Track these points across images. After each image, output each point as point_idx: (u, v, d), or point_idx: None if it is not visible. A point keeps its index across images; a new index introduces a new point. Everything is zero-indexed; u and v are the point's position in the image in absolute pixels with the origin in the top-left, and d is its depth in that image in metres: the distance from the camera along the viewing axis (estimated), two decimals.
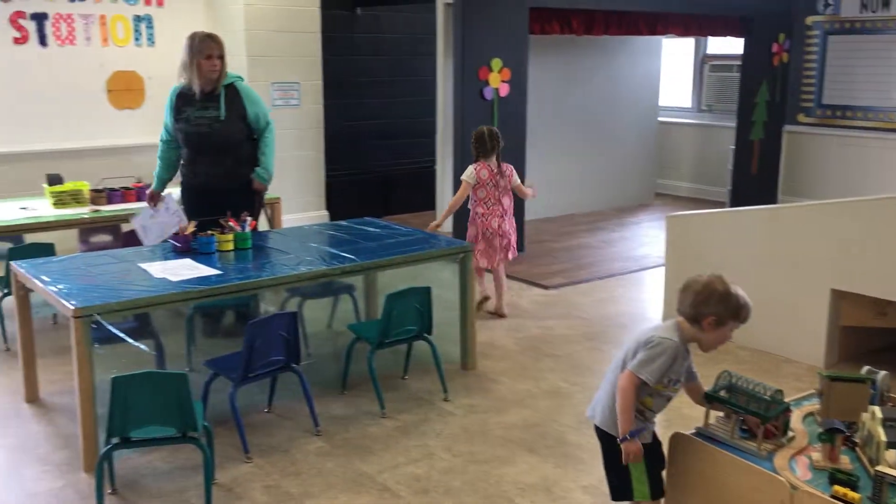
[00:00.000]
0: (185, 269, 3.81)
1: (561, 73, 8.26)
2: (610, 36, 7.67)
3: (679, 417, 3.72)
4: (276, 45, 7.28)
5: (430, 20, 7.70)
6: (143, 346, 3.55)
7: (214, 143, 4.66)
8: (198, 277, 3.70)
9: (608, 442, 2.62)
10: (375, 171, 8.23)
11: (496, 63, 6.54)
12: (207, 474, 3.05)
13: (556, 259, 6.82)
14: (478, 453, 3.53)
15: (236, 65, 7.31)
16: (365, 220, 5.02)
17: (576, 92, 8.42)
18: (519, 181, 5.39)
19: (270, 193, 6.01)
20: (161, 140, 4.82)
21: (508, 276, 5.90)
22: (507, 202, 5.30)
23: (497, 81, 6.58)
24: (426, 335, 4.09)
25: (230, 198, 4.59)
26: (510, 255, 5.37)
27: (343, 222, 4.96)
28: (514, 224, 5.42)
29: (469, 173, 5.23)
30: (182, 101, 4.66)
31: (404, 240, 4.48)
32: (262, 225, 5.20)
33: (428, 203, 8.06)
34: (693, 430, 2.68)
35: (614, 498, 2.67)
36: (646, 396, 2.57)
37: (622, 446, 2.54)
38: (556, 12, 6.82)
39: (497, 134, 5.28)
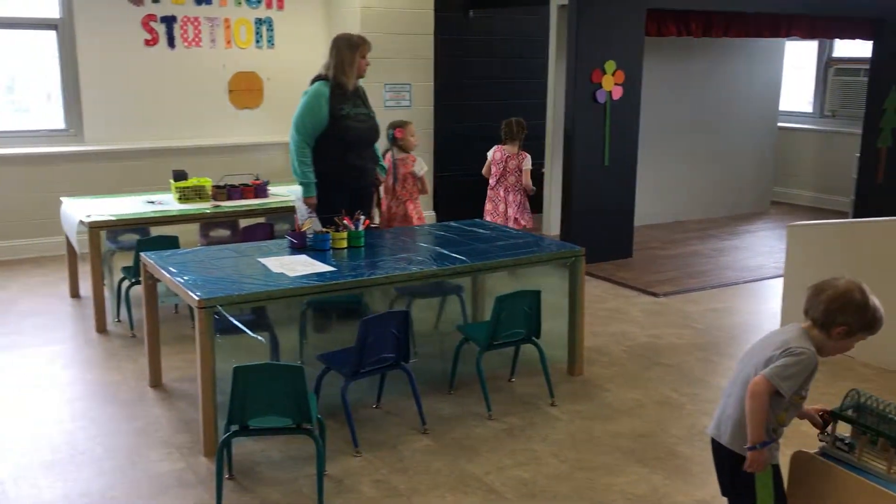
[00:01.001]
0: (302, 266, 3.93)
1: (675, 76, 8.07)
2: (729, 38, 7.44)
3: (797, 435, 3.58)
4: (390, 47, 7.40)
5: (543, 22, 7.67)
6: (260, 338, 3.67)
7: (370, 139, 4.96)
8: (314, 273, 3.80)
9: (737, 464, 2.48)
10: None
11: (610, 65, 6.45)
12: (320, 466, 3.13)
13: (666, 266, 6.66)
14: (585, 460, 3.49)
15: None
16: (475, 222, 5.05)
17: (690, 95, 8.21)
18: (528, 168, 6.26)
19: (380, 193, 6.13)
20: (306, 144, 4.79)
21: (617, 283, 6.14)
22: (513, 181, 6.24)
23: (610, 84, 6.49)
24: (534, 339, 4.07)
25: (367, 191, 4.91)
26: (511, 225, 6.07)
27: (453, 223, 5.00)
28: (521, 200, 6.27)
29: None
30: (335, 99, 4.80)
31: (514, 242, 4.48)
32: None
33: (536, 205, 8.00)
34: (817, 450, 2.57)
35: None
36: (781, 411, 2.43)
37: (750, 455, 2.40)
38: (674, 14, 6.67)
39: (523, 124, 6.24)
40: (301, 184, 4.88)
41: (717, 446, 2.57)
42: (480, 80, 8.21)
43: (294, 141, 4.83)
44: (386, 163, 5.46)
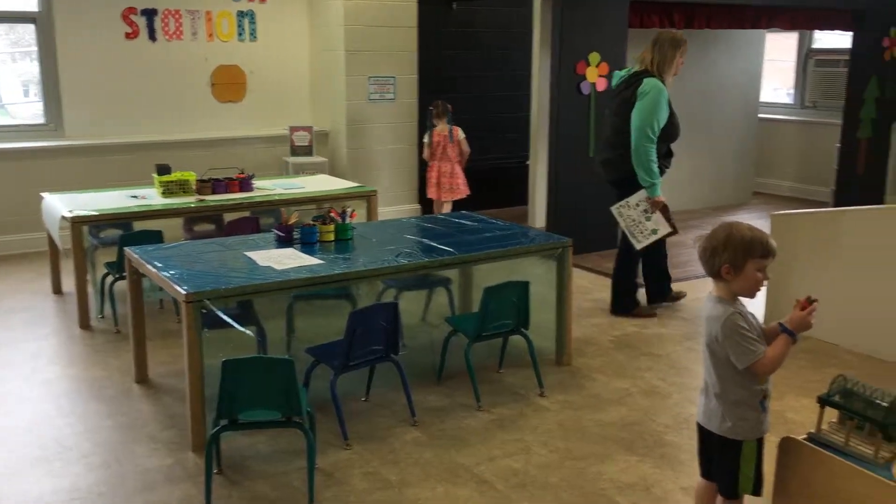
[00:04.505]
0: (289, 259, 3.91)
1: None
2: (711, 29, 7.48)
3: (782, 422, 3.61)
4: (373, 40, 7.39)
5: (526, 14, 7.67)
6: (248, 332, 3.65)
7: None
8: (301, 266, 3.79)
9: (724, 444, 2.54)
10: (468, 165, 8.24)
11: (594, 57, 6.47)
12: (310, 458, 3.12)
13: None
14: (574, 450, 3.51)
15: (335, 59, 7.46)
16: (461, 214, 5.05)
17: (673, 87, 8.20)
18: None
19: (367, 186, 6.13)
20: (654, 143, 4.82)
21: (603, 273, 6.12)
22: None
23: (594, 76, 6.51)
24: (523, 330, 4.08)
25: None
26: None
27: (440, 215, 5.00)
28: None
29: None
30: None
31: (501, 234, 4.48)
32: None
33: (521, 198, 8.04)
34: (805, 436, 2.59)
35: (725, 495, 2.61)
36: (758, 379, 2.47)
37: (797, 332, 2.42)
38: (657, 5, 6.70)
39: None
40: (651, 185, 4.89)
41: (705, 433, 2.61)
42: (464, 73, 8.21)
43: (646, 142, 4.80)
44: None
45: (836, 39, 8.78)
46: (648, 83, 4.84)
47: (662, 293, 5.43)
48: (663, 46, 4.89)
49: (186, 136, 7.22)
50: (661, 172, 4.99)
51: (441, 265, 4.08)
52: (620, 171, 4.98)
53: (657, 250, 5.25)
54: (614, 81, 5.14)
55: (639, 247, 5.08)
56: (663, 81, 4.90)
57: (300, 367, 3.65)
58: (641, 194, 4.95)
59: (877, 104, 8.13)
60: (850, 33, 8.00)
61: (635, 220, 5.00)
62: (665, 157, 5.02)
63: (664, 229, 5.04)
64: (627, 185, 4.98)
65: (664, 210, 4.98)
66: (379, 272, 3.87)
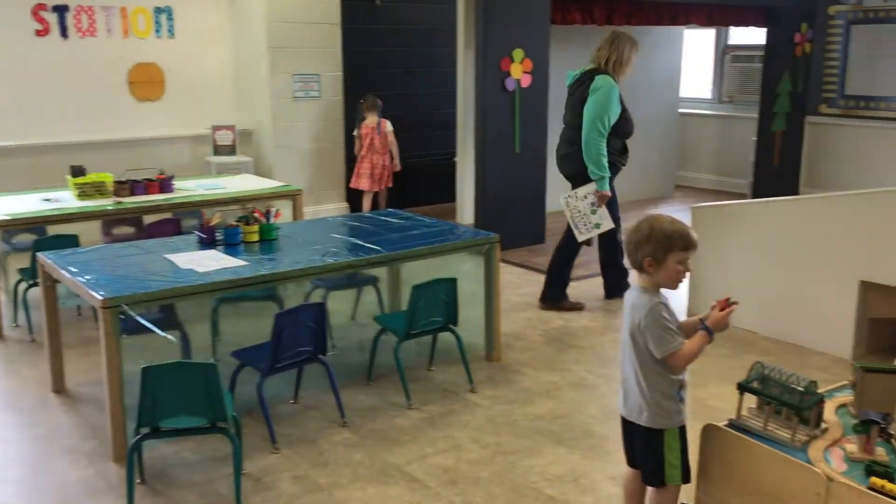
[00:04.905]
0: (211, 261, 3.82)
1: (582, 64, 8.18)
2: (631, 26, 7.61)
3: (705, 409, 3.70)
4: (296, 37, 7.28)
5: (451, 11, 7.67)
6: (170, 337, 3.56)
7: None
8: (224, 268, 3.70)
9: (645, 434, 2.57)
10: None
11: (518, 53, 6.51)
12: (237, 464, 3.05)
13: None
14: (505, 444, 3.53)
15: (257, 56, 7.34)
16: (389, 212, 5.02)
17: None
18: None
19: (292, 185, 6.05)
20: (605, 139, 4.91)
21: (531, 268, 6.25)
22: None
23: (519, 72, 6.55)
24: (452, 326, 4.08)
25: None
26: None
27: (367, 213, 4.97)
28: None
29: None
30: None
31: (428, 231, 4.47)
32: None
33: (448, 195, 8.05)
34: (726, 422, 2.66)
35: (651, 484, 2.64)
36: (674, 370, 2.51)
37: (716, 330, 2.48)
38: (578, 2, 6.78)
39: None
40: (600, 178, 4.97)
41: (627, 423, 2.65)
42: (392, 70, 8.17)
43: (596, 136, 4.89)
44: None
45: (751, 36, 9.05)
46: (600, 79, 4.94)
47: (621, 288, 5.50)
48: (621, 45, 5.00)
49: (103, 136, 6.98)
50: (618, 168, 5.15)
51: (368, 264, 4.05)
52: (577, 167, 5.09)
53: (614, 244, 5.34)
54: (568, 81, 5.25)
55: (580, 238, 5.19)
56: (615, 79, 4.99)
57: (227, 371, 3.59)
58: (590, 187, 5.05)
59: (790, 98, 8.43)
60: (764, 30, 8.26)
61: (581, 211, 5.11)
62: (621, 153, 5.14)
63: (607, 224, 5.15)
64: (581, 180, 5.10)
65: (610, 204, 5.09)
66: (305, 272, 3.81)
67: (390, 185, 7.44)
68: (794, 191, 8.58)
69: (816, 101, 8.63)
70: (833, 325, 4.50)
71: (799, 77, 8.43)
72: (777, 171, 8.53)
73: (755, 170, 8.51)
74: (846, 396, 2.82)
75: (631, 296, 2.60)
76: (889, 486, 2.21)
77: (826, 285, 4.53)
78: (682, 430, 2.58)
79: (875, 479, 2.25)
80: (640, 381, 2.54)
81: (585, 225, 5.12)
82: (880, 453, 2.43)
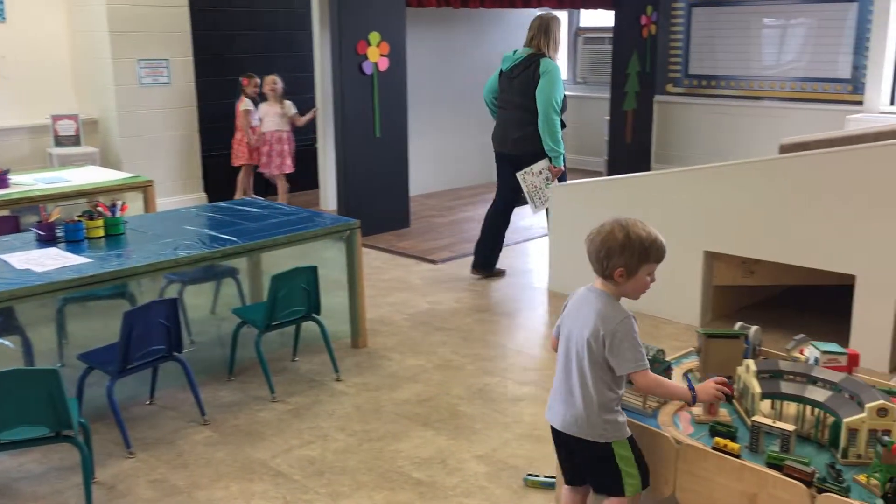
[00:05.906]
0: (50, 259, 3.58)
1: (440, 47, 8.24)
2: (485, 9, 7.69)
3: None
4: (140, 20, 6.92)
5: None
6: (8, 343, 3.31)
7: None
8: (65, 267, 3.48)
9: (593, 449, 2.40)
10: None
11: (374, 37, 6.45)
12: (86, 473, 2.89)
13: (442, 234, 6.83)
14: (372, 431, 3.50)
15: (98, 41, 6.93)
16: (245, 201, 4.87)
17: (454, 66, 8.42)
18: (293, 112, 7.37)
19: (143, 176, 5.77)
20: (559, 115, 5.20)
21: (397, 252, 6.25)
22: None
23: (376, 56, 6.49)
24: (314, 315, 4.01)
25: None
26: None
27: (223, 203, 4.79)
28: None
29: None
30: None
31: (287, 219, 4.37)
32: None
33: (311, 182, 7.91)
34: None
35: (612, 494, 2.45)
36: (619, 385, 2.41)
37: (700, 401, 2.47)
38: None
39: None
40: (558, 154, 5.25)
41: (568, 439, 2.44)
42: (249, 55, 7.91)
43: (553, 114, 5.17)
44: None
45: (601, 18, 9.35)
46: (546, 62, 5.21)
47: (490, 264, 5.62)
48: (550, 29, 5.26)
49: None
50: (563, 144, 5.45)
51: (223, 255, 3.90)
52: (533, 147, 5.29)
53: (505, 220, 5.60)
54: (505, 65, 5.41)
55: (535, 212, 5.57)
56: (555, 58, 5.32)
57: (74, 375, 3.39)
58: (544, 163, 5.31)
59: (639, 78, 8.77)
60: (612, 12, 8.54)
61: (537, 186, 5.36)
62: (561, 128, 5.41)
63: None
64: (531, 160, 5.33)
65: (562, 179, 5.37)
66: (155, 267, 3.63)
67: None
68: (646, 167, 8.95)
69: (664, 80, 9.03)
70: (683, 295, 4.73)
71: (647, 58, 8.78)
72: (630, 149, 8.87)
73: (609, 148, 8.81)
74: (692, 362, 2.95)
75: (589, 298, 2.42)
76: (731, 444, 2.33)
77: (675, 257, 4.66)
78: (632, 440, 2.43)
79: (718, 439, 2.36)
80: (590, 391, 2.36)
81: (540, 199, 5.40)
82: (723, 414, 2.56)
